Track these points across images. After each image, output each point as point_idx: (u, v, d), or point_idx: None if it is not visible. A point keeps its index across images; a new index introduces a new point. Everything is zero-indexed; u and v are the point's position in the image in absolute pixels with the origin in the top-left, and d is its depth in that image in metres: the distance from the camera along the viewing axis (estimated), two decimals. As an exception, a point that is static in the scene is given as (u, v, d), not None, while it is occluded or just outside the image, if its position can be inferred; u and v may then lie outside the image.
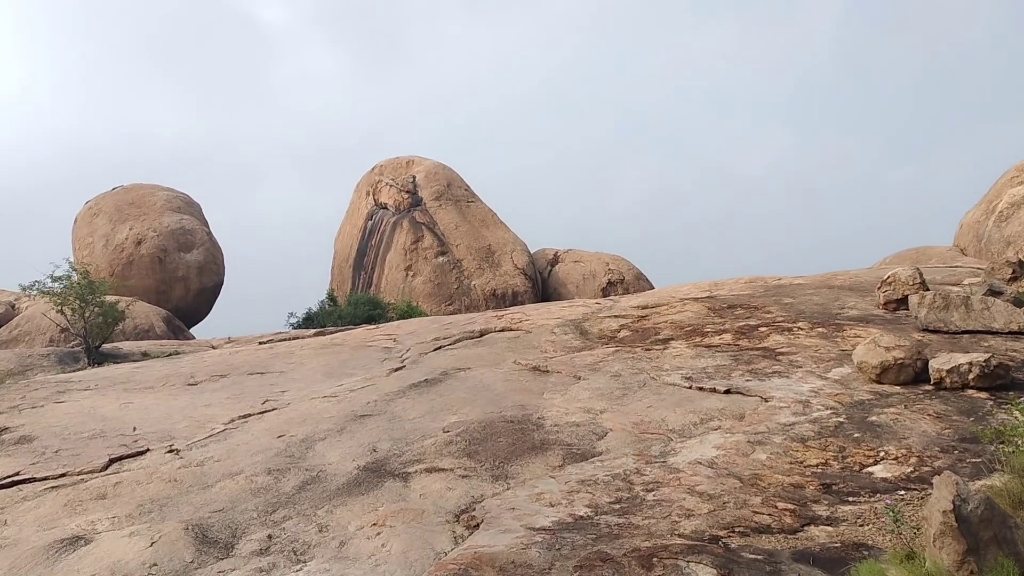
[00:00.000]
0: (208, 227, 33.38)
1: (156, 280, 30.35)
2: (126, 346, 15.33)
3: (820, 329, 9.45)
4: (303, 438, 6.96)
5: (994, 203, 21.27)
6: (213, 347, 16.14)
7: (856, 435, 5.83)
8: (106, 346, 14.51)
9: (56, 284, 14.26)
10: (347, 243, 38.45)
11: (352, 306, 30.25)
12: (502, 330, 11.79)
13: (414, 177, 37.83)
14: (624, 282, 34.59)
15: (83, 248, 30.90)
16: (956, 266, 17.14)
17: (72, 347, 14.81)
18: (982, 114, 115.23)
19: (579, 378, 8.36)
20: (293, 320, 31.22)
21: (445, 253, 34.27)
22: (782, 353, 8.49)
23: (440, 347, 11.07)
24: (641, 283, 34.73)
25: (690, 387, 7.56)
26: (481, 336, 11.56)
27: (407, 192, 37.11)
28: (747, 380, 7.57)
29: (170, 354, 14.50)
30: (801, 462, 5.43)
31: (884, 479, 5.04)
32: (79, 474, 6.40)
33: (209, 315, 33.71)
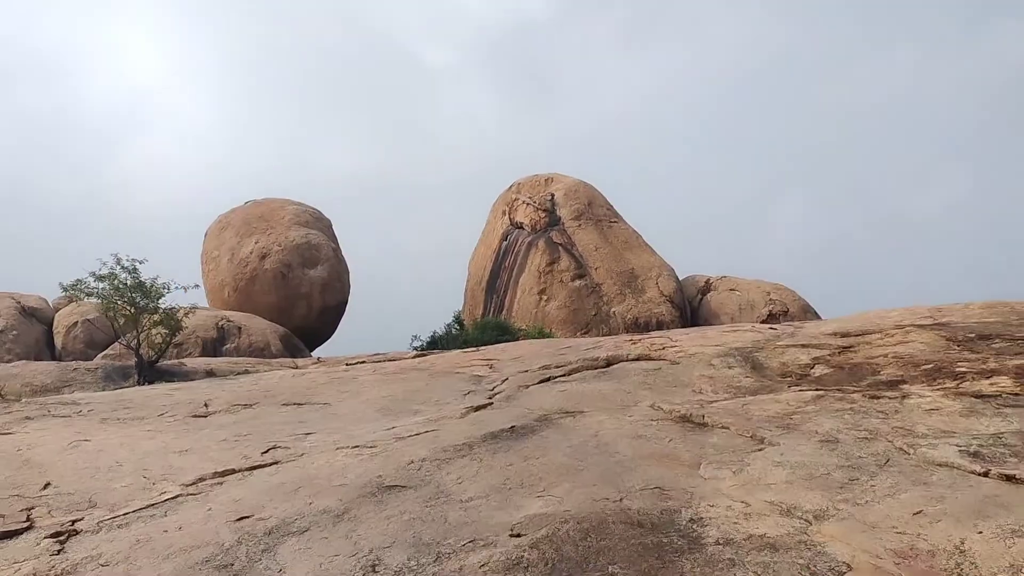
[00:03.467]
0: (336, 243, 31.89)
1: (279, 297, 28.94)
2: (193, 362, 13.14)
3: None
4: (272, 528, 3.99)
5: None
6: (296, 367, 13.76)
7: None
8: (170, 362, 12.34)
9: (100, 284, 12.11)
10: (481, 265, 36.11)
11: (479, 330, 27.66)
12: (637, 358, 8.47)
13: (552, 195, 34.96)
14: (788, 314, 30.02)
15: (210, 261, 30.07)
16: None
17: (122, 361, 12.80)
18: None
19: (762, 441, 4.94)
20: (417, 343, 29.10)
21: (583, 276, 31.03)
22: None
23: (549, 378, 7.90)
24: (808, 317, 30.03)
25: (985, 472, 3.99)
26: (607, 366, 8.28)
27: (544, 211, 34.26)
28: (1110, 468, 3.91)
29: (239, 373, 12.17)
30: None
31: None
32: None
33: (335, 336, 32.12)
